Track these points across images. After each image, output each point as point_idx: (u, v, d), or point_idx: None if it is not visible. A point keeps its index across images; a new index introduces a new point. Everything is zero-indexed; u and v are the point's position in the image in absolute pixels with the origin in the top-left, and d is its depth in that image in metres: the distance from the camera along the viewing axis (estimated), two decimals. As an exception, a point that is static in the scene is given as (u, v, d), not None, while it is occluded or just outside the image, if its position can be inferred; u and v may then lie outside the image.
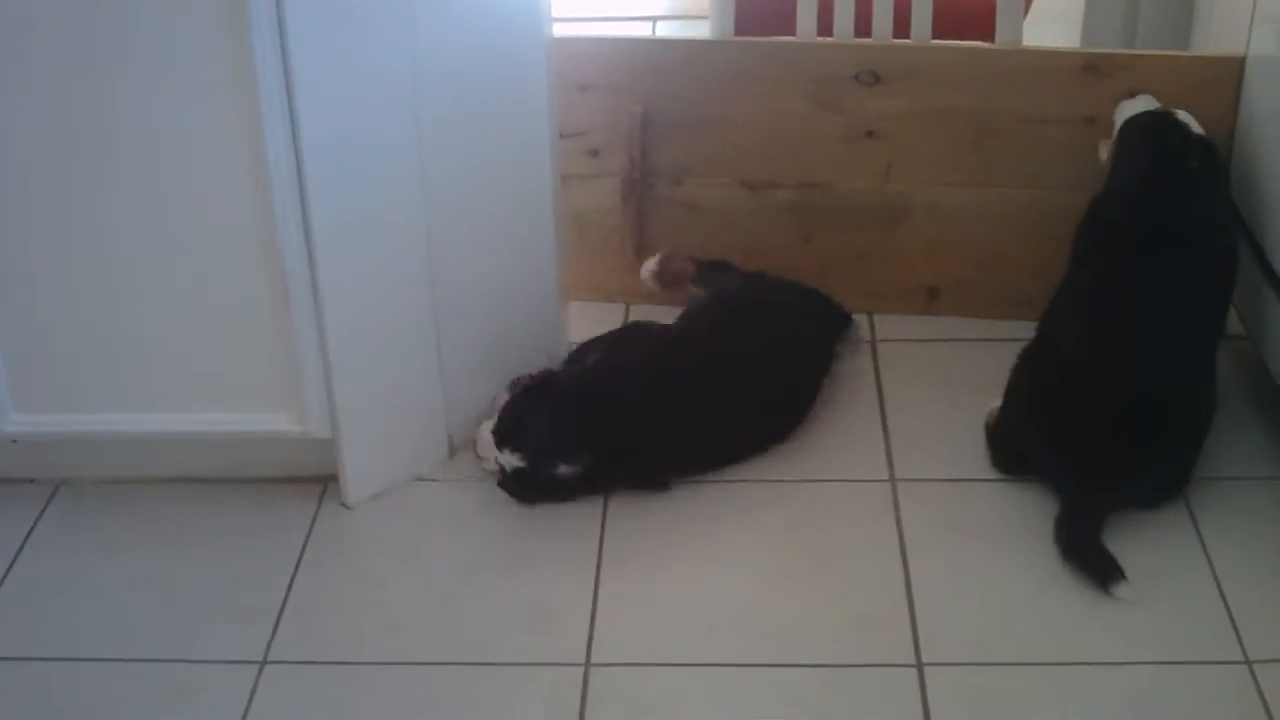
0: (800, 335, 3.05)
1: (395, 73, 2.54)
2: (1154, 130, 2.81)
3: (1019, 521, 2.69)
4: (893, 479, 2.83)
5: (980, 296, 3.18)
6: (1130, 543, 2.59)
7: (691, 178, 3.23)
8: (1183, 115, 2.84)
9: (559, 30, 2.77)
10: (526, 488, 2.73)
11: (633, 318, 3.30)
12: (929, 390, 3.06)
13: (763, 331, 2.98)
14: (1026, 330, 2.81)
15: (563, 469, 2.71)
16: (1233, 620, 2.46)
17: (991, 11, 3.13)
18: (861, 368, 3.15)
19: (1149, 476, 2.68)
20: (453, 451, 2.85)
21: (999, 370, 2.84)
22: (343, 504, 2.73)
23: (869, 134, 3.16)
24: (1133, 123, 2.85)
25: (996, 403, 2.85)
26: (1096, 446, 2.64)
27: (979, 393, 2.93)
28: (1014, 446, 2.80)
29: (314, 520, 2.69)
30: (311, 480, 2.75)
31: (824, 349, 3.10)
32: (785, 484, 2.83)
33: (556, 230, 2.94)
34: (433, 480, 2.81)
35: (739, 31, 3.24)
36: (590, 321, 3.12)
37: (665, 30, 4.62)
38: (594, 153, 3.24)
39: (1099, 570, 2.52)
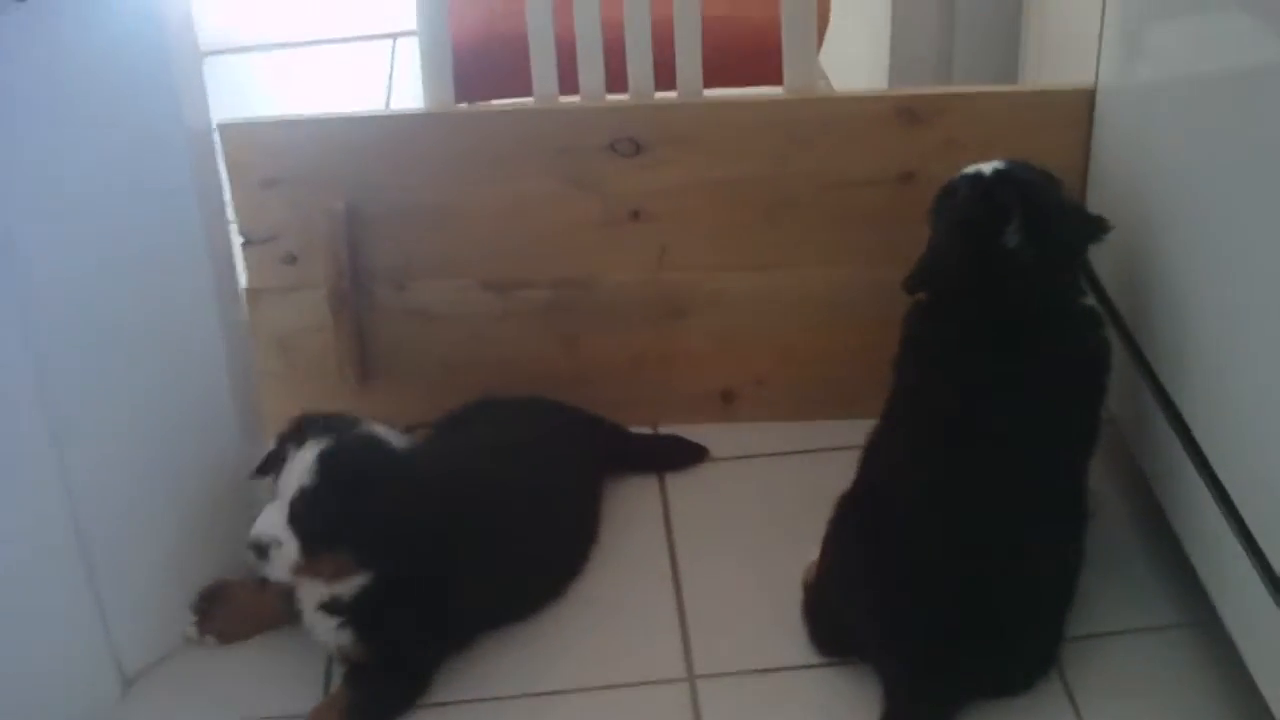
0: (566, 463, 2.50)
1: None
2: (957, 200, 2.19)
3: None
4: (690, 676, 2.24)
5: (784, 397, 2.71)
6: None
7: (417, 281, 2.61)
8: (1013, 169, 2.22)
9: (228, 112, 2.38)
10: None
11: None
12: (733, 534, 2.51)
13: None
14: (844, 431, 2.35)
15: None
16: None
17: (776, 50, 2.51)
18: (647, 507, 2.57)
19: (1006, 663, 2.12)
20: (126, 687, 2.25)
21: (818, 494, 2.28)
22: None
23: (634, 215, 2.58)
24: (941, 193, 2.24)
25: (815, 551, 2.26)
26: (936, 629, 2.07)
27: (794, 535, 2.38)
28: (835, 621, 2.21)
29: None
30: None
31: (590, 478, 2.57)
32: (565, 695, 2.25)
33: (237, 378, 2.37)
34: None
35: (461, 97, 2.58)
36: None
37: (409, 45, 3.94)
38: (290, 259, 2.58)
39: None
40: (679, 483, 2.62)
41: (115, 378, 2.12)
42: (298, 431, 2.14)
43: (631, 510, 2.56)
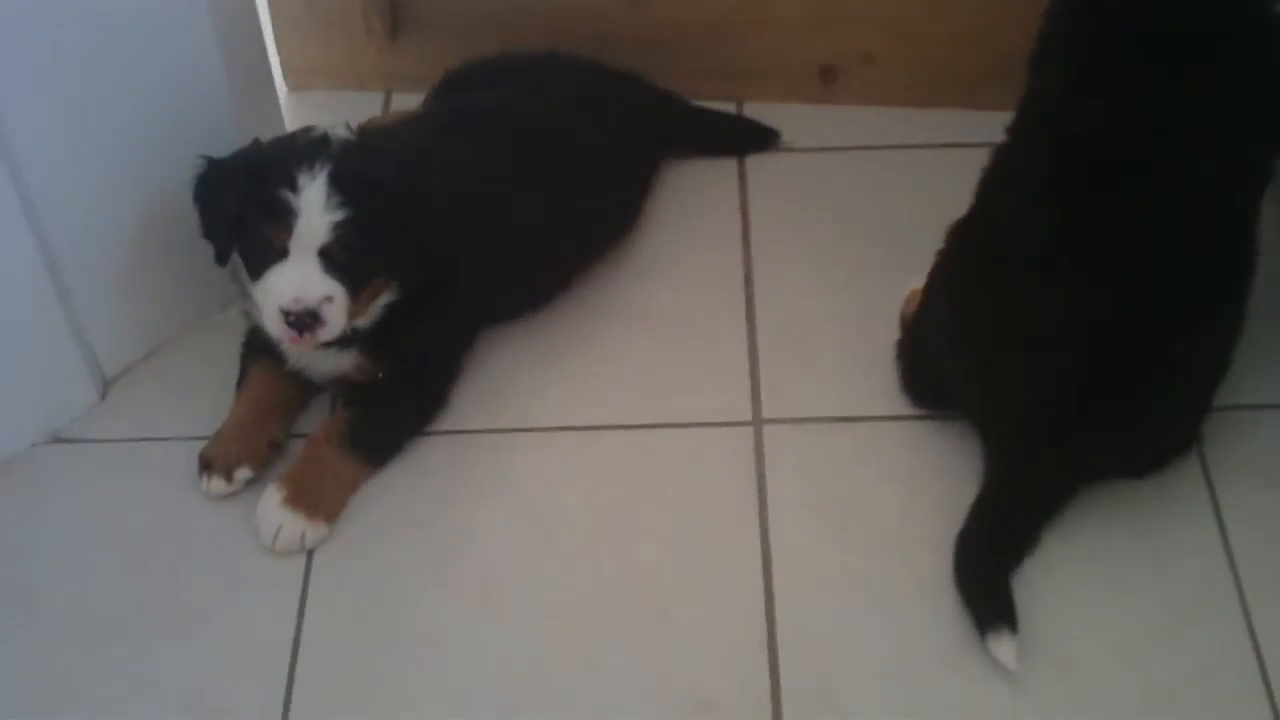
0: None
1: None
2: None
3: (927, 487, 1.84)
4: (757, 420, 1.91)
5: (894, 78, 2.30)
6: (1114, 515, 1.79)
7: None
8: None
9: None
10: None
11: (395, 106, 2.37)
12: (821, 244, 2.13)
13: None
14: (964, 125, 2.13)
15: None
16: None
17: None
18: (722, 203, 2.19)
19: (1141, 437, 1.75)
20: (106, 389, 1.98)
21: (928, 201, 1.91)
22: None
23: None
24: None
25: (920, 278, 1.88)
26: (1059, 391, 1.70)
27: (894, 252, 2.04)
28: (933, 367, 1.85)
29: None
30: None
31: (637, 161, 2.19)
32: (632, 430, 1.93)
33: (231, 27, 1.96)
34: (77, 441, 1.94)
35: None
36: (338, 119, 1.99)
37: None
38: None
39: (987, 606, 1.69)
40: (762, 172, 2.24)
41: (67, 38, 1.73)
42: (257, 172, 1.76)
43: (703, 204, 2.19)
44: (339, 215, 1.73)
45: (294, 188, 1.72)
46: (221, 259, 1.83)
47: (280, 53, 2.33)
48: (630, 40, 2.22)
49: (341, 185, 1.73)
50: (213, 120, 1.92)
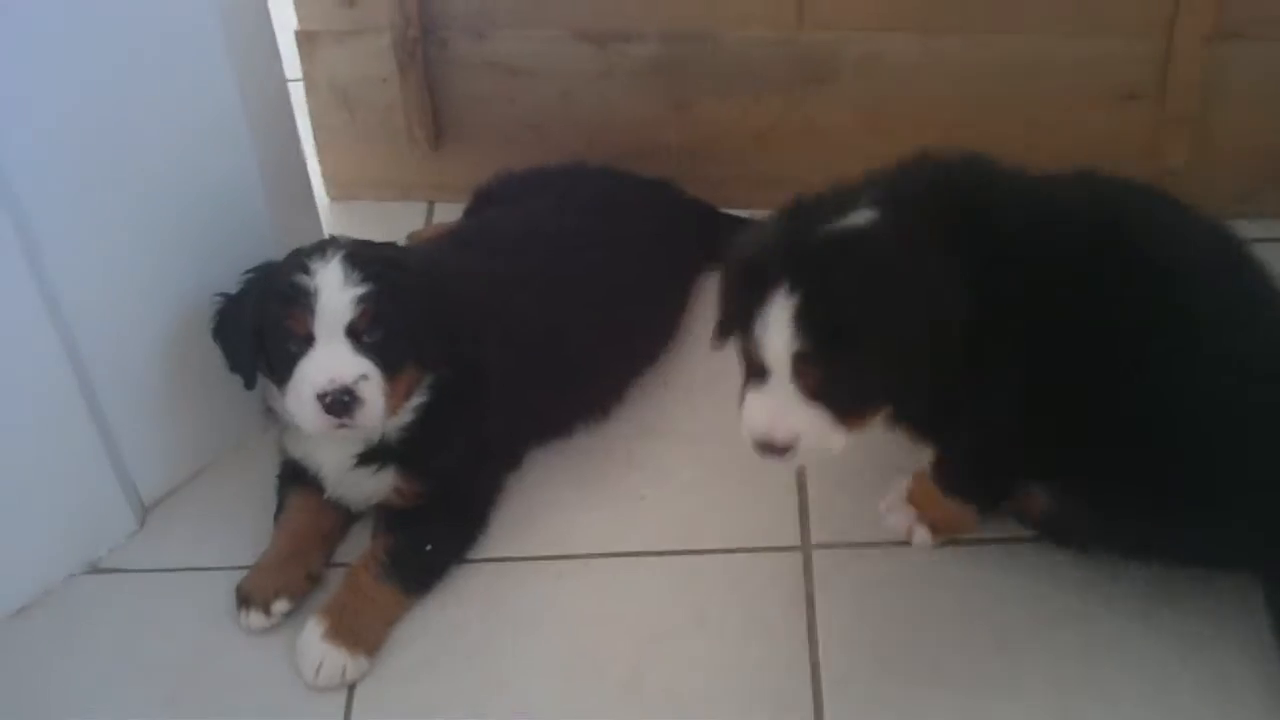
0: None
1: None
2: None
3: (984, 616, 1.79)
4: (805, 544, 1.88)
5: None
6: None
7: (499, 30, 2.21)
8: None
9: None
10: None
11: (438, 217, 2.37)
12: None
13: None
14: None
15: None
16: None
17: None
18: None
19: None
20: (145, 517, 1.96)
21: None
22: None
23: (770, -46, 2.10)
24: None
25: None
26: None
27: None
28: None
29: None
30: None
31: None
32: (676, 556, 1.89)
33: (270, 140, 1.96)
34: (115, 571, 1.92)
35: None
36: (381, 229, 2.07)
37: None
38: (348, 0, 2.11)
39: None
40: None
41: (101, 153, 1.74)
42: (270, 279, 1.75)
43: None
44: (360, 290, 1.70)
45: (309, 272, 1.71)
46: (250, 383, 1.81)
47: (322, 164, 2.33)
48: (674, 149, 2.21)
49: (358, 263, 1.72)
50: (252, 234, 1.92)
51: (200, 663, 1.81)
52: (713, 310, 1.68)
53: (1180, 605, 1.76)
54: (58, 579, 1.89)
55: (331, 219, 2.30)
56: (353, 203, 2.36)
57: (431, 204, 2.35)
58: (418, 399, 1.81)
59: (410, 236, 2.17)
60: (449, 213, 2.27)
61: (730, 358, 2.03)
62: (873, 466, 1.93)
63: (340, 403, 1.70)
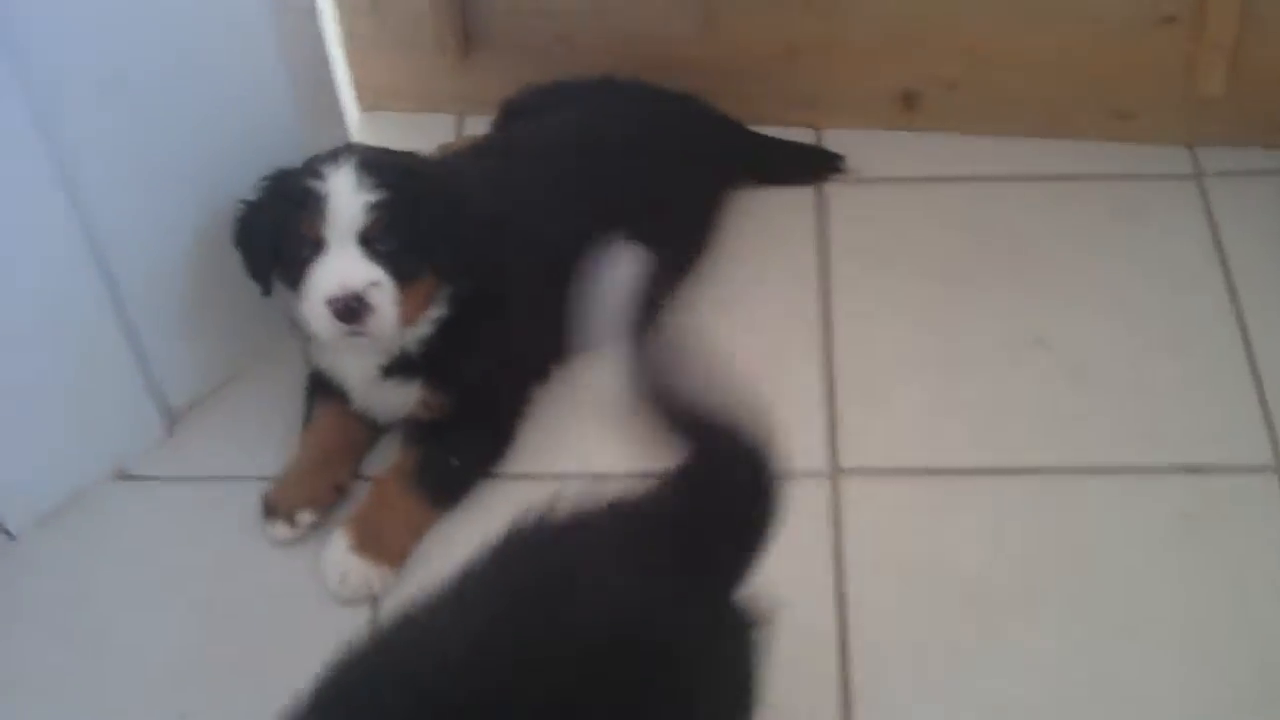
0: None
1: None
2: None
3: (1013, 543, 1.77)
4: (834, 470, 1.87)
5: (980, 105, 2.23)
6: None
7: None
8: None
9: None
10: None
11: (468, 130, 2.32)
12: (899, 282, 2.06)
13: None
14: (1051, 153, 2.11)
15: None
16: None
17: None
18: (799, 228, 2.13)
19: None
20: (173, 425, 1.96)
21: (1015, 236, 1.97)
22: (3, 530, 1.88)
23: None
24: None
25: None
26: None
27: (979, 282, 2.02)
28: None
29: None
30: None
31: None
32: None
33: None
34: (144, 478, 1.92)
35: None
36: (411, 141, 2.01)
37: None
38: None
39: None
40: (840, 202, 2.17)
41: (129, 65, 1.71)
42: (285, 184, 1.74)
43: (778, 236, 2.13)
44: (372, 196, 1.69)
45: (321, 177, 1.70)
46: (266, 289, 1.80)
47: (353, 73, 2.29)
48: (702, 64, 2.17)
49: (371, 169, 1.70)
50: (280, 144, 1.88)
51: (227, 572, 1.81)
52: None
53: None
54: (87, 484, 1.89)
55: (361, 129, 2.27)
56: (383, 114, 2.31)
57: (461, 116, 2.31)
58: (436, 311, 1.79)
59: (440, 149, 2.15)
60: (479, 127, 2.24)
61: (766, 285, 2.04)
62: (907, 389, 1.94)
63: (350, 309, 1.69)
